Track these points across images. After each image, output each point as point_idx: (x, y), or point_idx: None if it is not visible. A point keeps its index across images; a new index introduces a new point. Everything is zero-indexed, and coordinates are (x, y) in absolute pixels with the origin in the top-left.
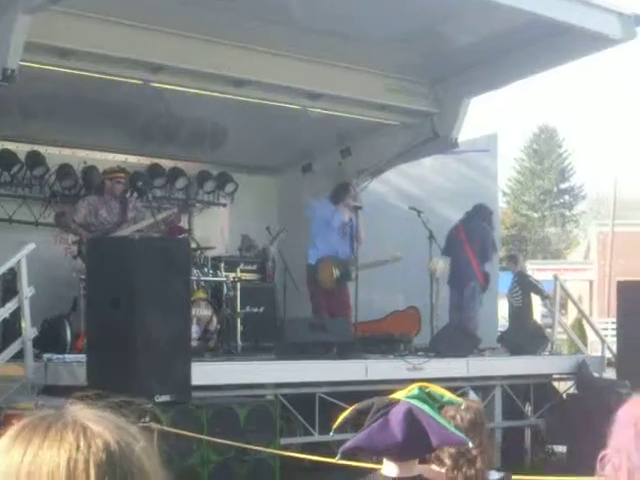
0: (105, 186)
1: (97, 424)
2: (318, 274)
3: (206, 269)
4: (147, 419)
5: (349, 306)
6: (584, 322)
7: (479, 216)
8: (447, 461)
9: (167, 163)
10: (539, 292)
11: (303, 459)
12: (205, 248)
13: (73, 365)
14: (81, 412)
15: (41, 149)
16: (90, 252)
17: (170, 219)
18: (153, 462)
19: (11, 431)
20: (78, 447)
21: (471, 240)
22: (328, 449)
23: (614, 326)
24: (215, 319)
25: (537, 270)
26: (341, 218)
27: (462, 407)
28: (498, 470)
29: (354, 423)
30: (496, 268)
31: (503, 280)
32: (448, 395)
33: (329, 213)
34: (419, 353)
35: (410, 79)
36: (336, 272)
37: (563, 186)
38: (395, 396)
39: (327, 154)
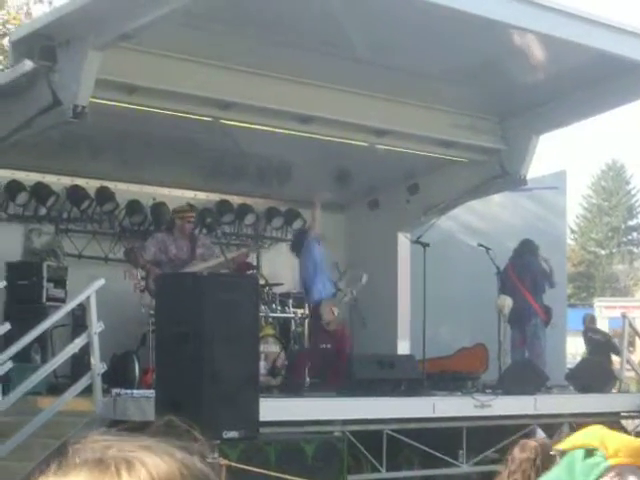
0: (175, 224)
1: (164, 461)
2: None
3: (274, 305)
4: (216, 455)
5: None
6: None
7: (526, 251)
8: None
9: (235, 199)
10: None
11: None
12: (273, 284)
13: (141, 400)
14: (145, 448)
15: (110, 185)
16: (159, 288)
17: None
18: None
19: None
20: None
21: (522, 277)
22: None
23: None
24: (283, 355)
25: (605, 307)
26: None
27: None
28: None
29: None
30: (564, 305)
31: (571, 317)
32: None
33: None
34: (487, 390)
35: (478, 116)
36: (336, 310)
37: (631, 223)
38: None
39: (394, 190)
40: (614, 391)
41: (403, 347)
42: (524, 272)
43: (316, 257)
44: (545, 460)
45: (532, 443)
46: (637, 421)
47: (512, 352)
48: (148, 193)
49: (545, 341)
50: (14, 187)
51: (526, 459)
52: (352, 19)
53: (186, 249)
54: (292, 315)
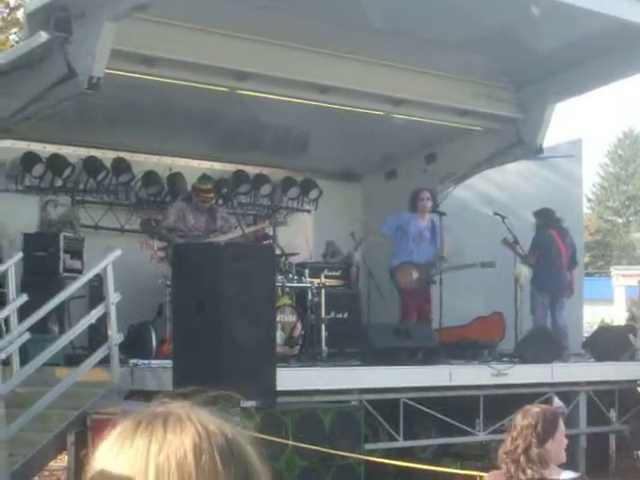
0: (192, 198)
1: (207, 417)
2: (398, 277)
3: (291, 275)
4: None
5: (430, 309)
6: None
7: (560, 221)
8: (507, 462)
9: (252, 170)
10: None
11: (387, 464)
12: (289, 254)
13: (159, 370)
14: (185, 407)
15: (127, 156)
16: (176, 258)
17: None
18: (257, 452)
19: (125, 426)
20: (200, 436)
21: (567, 249)
22: (412, 455)
23: None
24: (300, 325)
25: (622, 276)
26: (417, 225)
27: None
28: (573, 472)
29: None
30: (581, 274)
31: (588, 286)
32: None
33: (405, 222)
34: (503, 359)
35: (494, 85)
36: (415, 274)
37: None
38: None
39: (411, 160)
40: (631, 359)
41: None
42: (568, 245)
43: (402, 223)
44: (546, 426)
45: (534, 409)
46: None
47: (541, 319)
48: (164, 164)
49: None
50: (30, 159)
51: (527, 425)
52: None
53: (203, 220)
54: (309, 285)
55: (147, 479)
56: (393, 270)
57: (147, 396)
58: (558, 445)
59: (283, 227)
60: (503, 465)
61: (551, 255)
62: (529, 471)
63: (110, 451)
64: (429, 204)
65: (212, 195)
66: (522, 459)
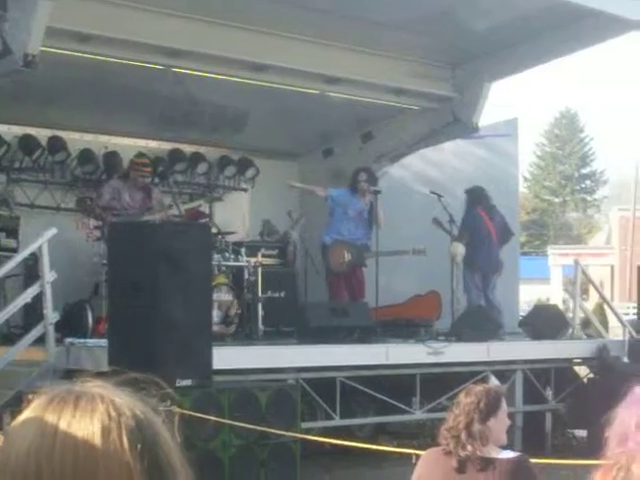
0: (130, 174)
1: (120, 397)
2: (330, 257)
3: (227, 254)
4: (169, 403)
5: (363, 290)
6: (605, 307)
7: (488, 199)
8: (448, 439)
9: (188, 148)
10: None
11: (324, 443)
12: (226, 233)
13: (95, 349)
14: (102, 387)
15: (62, 134)
16: (111, 237)
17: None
18: (170, 434)
19: (39, 402)
20: (110, 416)
21: (497, 227)
22: (349, 433)
23: (635, 311)
24: (236, 304)
25: (559, 255)
26: (357, 204)
27: (473, 391)
28: (512, 451)
29: None
30: (517, 253)
31: (524, 265)
32: None
33: (345, 199)
34: (440, 337)
35: (430, 63)
36: (347, 256)
37: (584, 171)
38: None
39: (348, 138)
40: (567, 337)
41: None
42: (497, 224)
43: (345, 201)
44: (490, 404)
45: (478, 388)
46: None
47: (476, 299)
48: (100, 142)
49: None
50: None
51: (470, 402)
52: None
53: (139, 198)
54: (245, 264)
55: (52, 456)
56: (325, 248)
57: (83, 375)
58: (500, 424)
59: (220, 206)
60: (443, 441)
61: (480, 235)
62: (469, 447)
63: (19, 426)
64: (365, 185)
65: (150, 169)
66: (463, 435)
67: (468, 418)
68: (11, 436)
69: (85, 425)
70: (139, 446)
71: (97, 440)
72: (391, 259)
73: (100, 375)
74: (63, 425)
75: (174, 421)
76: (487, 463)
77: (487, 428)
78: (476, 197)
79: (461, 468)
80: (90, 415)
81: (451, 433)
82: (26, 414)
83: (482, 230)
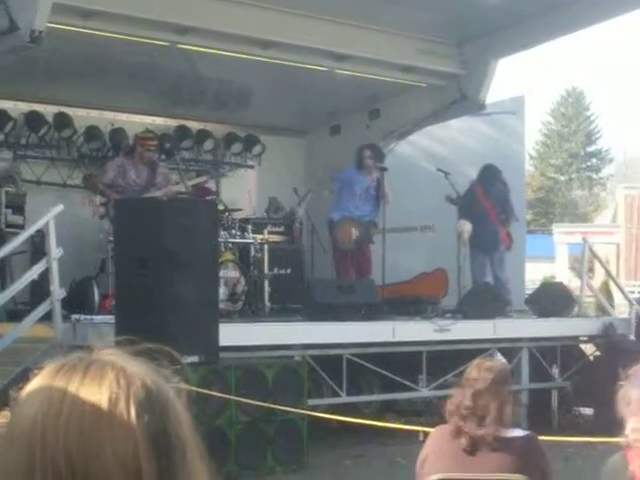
0: (136, 150)
1: (132, 366)
2: (337, 234)
3: (234, 231)
4: (176, 379)
5: (370, 267)
6: (611, 285)
7: (494, 177)
8: (464, 418)
9: (194, 125)
10: None
11: (330, 420)
12: (233, 210)
13: (101, 326)
14: (115, 355)
15: (69, 111)
16: (118, 213)
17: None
18: (184, 403)
19: (49, 368)
20: (119, 384)
21: (495, 205)
22: (356, 410)
23: None
24: (243, 281)
25: (564, 233)
26: (364, 182)
27: (485, 367)
28: (521, 430)
29: None
30: (523, 231)
31: (530, 243)
32: None
33: (352, 177)
34: (446, 315)
35: (437, 40)
36: (355, 233)
37: (590, 149)
38: None
39: (355, 116)
40: (573, 315)
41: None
42: (495, 199)
43: (351, 179)
44: (505, 381)
45: (488, 364)
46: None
47: (476, 275)
48: (106, 119)
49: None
50: None
51: (484, 379)
52: None
53: (145, 174)
54: (252, 241)
55: (58, 422)
56: (333, 225)
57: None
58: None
59: (226, 183)
60: (457, 419)
61: (473, 211)
62: (488, 426)
63: (27, 394)
64: (371, 162)
65: (156, 143)
66: (480, 413)
67: (486, 396)
68: (19, 403)
69: (93, 392)
70: (147, 416)
71: (104, 407)
72: (398, 236)
73: (116, 344)
74: (71, 391)
75: (182, 397)
76: (499, 442)
77: (505, 406)
78: (479, 175)
79: (473, 447)
80: (99, 382)
81: (466, 411)
82: (35, 381)
83: (474, 206)
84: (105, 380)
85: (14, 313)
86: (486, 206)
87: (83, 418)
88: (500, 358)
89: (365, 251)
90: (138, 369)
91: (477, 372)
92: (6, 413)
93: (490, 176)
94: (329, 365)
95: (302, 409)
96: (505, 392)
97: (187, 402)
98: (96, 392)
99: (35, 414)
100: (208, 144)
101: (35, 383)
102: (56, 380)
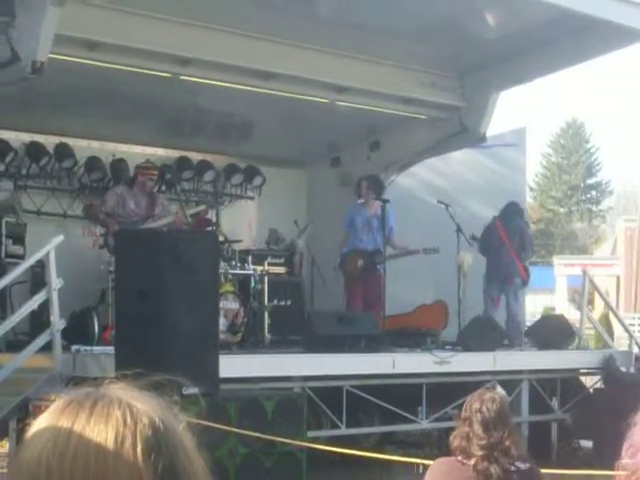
0: (136, 180)
1: (141, 402)
2: (346, 266)
3: (234, 262)
4: (175, 411)
5: (379, 297)
6: (611, 317)
7: (515, 213)
8: (479, 452)
9: (195, 156)
10: None
11: (330, 452)
12: (233, 241)
13: (101, 357)
14: (124, 391)
15: (70, 141)
16: (118, 244)
17: (199, 215)
18: (193, 442)
19: (56, 405)
20: (125, 423)
21: (512, 238)
22: (355, 442)
23: None
24: (242, 312)
25: (564, 265)
26: (365, 214)
27: (487, 399)
28: (524, 462)
29: None
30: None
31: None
32: None
33: (353, 211)
34: (446, 347)
35: (438, 73)
36: (360, 262)
37: (590, 181)
38: None
39: (355, 147)
40: (573, 348)
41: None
42: (514, 233)
43: (353, 214)
44: (508, 413)
45: (489, 395)
46: (595, 378)
47: (487, 307)
48: (107, 149)
49: (523, 302)
50: None
51: (488, 410)
52: None
53: (144, 205)
54: (252, 272)
55: (63, 461)
56: (343, 257)
57: (89, 383)
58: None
59: (227, 214)
60: (461, 450)
61: (491, 243)
62: (502, 462)
63: (34, 431)
64: (369, 193)
65: (157, 173)
66: (488, 445)
67: (494, 426)
68: (25, 442)
69: (99, 431)
70: (154, 455)
71: (110, 447)
72: (398, 268)
73: (124, 377)
74: (77, 430)
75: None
76: (504, 474)
77: (511, 437)
78: (501, 210)
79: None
80: (105, 420)
81: (477, 442)
82: (42, 418)
83: (493, 239)
84: (111, 419)
85: (14, 343)
86: (504, 239)
87: (88, 458)
88: (500, 390)
89: (373, 280)
90: (146, 406)
91: (479, 403)
92: (4, 443)
93: (511, 212)
94: (329, 397)
95: (302, 441)
96: (511, 422)
97: (200, 441)
98: (102, 431)
99: (40, 453)
100: (209, 175)
101: (42, 421)
102: (62, 418)
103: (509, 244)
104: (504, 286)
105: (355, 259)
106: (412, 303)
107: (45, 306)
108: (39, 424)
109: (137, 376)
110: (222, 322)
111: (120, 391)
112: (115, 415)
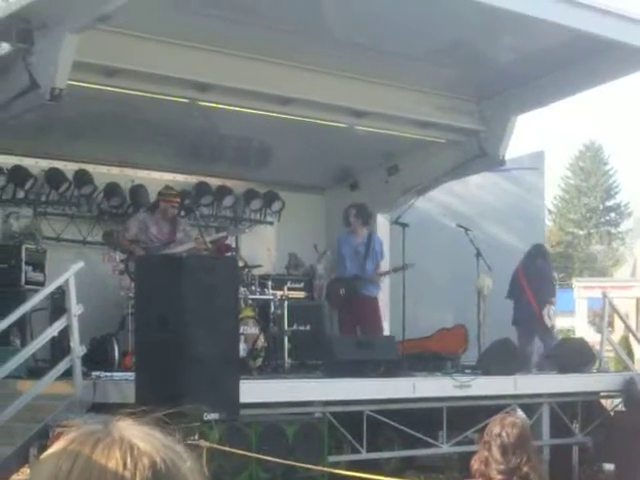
0: (159, 206)
1: (144, 442)
2: (328, 297)
3: (253, 287)
4: (196, 437)
5: (378, 321)
6: (631, 339)
7: (538, 256)
8: (497, 477)
9: (214, 181)
10: None
11: (351, 477)
12: (252, 266)
13: (121, 383)
14: (128, 429)
15: (89, 168)
16: (138, 270)
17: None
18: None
19: (60, 443)
20: (125, 465)
21: (531, 283)
22: (376, 467)
23: None
24: (262, 337)
25: (584, 288)
26: (352, 242)
27: (508, 423)
28: None
29: None
30: None
31: None
32: None
33: (341, 241)
34: (466, 371)
35: (456, 97)
36: (342, 290)
37: (609, 203)
38: None
39: (374, 172)
40: (593, 371)
41: (383, 328)
42: (532, 277)
43: (341, 243)
44: (530, 438)
45: (510, 419)
46: (616, 401)
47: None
48: (127, 175)
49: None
50: None
51: (514, 436)
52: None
53: (166, 231)
54: (271, 297)
55: None
56: (327, 289)
57: (109, 409)
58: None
59: (246, 239)
60: (498, 476)
61: (513, 290)
62: None
63: (39, 465)
64: (357, 221)
65: (179, 200)
66: (509, 470)
67: (515, 451)
68: (29, 478)
69: (99, 472)
70: None
71: None
72: (418, 292)
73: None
74: (76, 470)
75: (201, 455)
76: None
77: (532, 461)
78: (525, 254)
79: None
80: (105, 461)
81: (496, 467)
82: (48, 453)
83: (515, 286)
84: (111, 460)
85: (34, 370)
86: (524, 288)
87: None
88: (521, 414)
89: (361, 306)
90: (149, 446)
91: (500, 428)
92: (26, 470)
93: (535, 254)
94: (349, 421)
95: (322, 466)
96: (532, 447)
97: (207, 464)
98: (101, 471)
99: None
100: (228, 200)
101: (47, 455)
102: (64, 455)
103: (529, 293)
104: (528, 334)
105: (337, 288)
106: (432, 327)
107: (65, 332)
108: (42, 461)
109: (156, 405)
110: (242, 347)
111: (126, 429)
112: (115, 456)
